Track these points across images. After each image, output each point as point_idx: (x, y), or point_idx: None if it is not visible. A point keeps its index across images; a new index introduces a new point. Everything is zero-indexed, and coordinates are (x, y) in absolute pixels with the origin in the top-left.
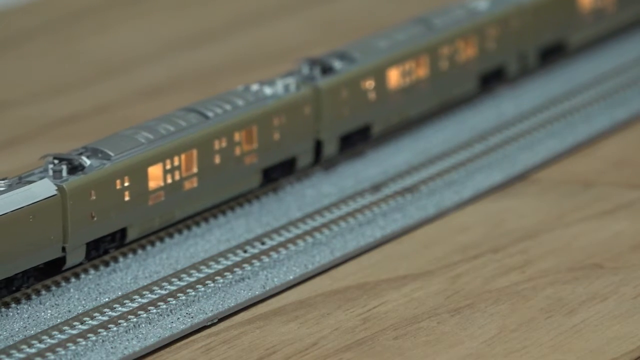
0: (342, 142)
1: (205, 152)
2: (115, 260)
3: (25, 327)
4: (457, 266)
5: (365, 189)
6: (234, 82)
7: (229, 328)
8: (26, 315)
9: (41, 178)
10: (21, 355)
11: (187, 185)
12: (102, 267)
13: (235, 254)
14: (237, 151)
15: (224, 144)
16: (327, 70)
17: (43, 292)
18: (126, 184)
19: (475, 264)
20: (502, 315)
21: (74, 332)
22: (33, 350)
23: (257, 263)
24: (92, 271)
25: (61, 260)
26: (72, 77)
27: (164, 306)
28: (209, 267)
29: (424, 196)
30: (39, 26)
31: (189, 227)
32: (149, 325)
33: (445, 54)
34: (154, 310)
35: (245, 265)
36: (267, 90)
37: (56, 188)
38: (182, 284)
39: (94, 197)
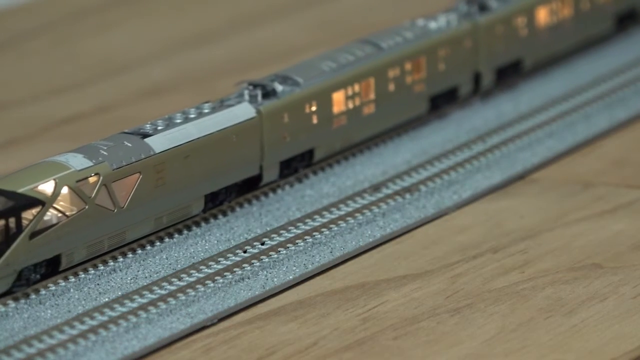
0: (498, 74)
1: (381, 80)
2: (115, 260)
3: (25, 327)
4: (457, 266)
5: (364, 189)
6: (233, 82)
7: (228, 328)
8: (26, 315)
9: (239, 102)
10: (21, 355)
11: (366, 110)
12: (102, 267)
13: (235, 254)
14: (408, 80)
15: (397, 73)
16: (484, 8)
17: (43, 291)
18: (314, 109)
19: (475, 264)
20: (502, 315)
21: (74, 332)
22: (33, 350)
23: (256, 263)
24: (92, 271)
25: (258, 178)
26: (72, 77)
27: (164, 306)
28: (208, 267)
29: (423, 196)
30: (39, 26)
31: (189, 227)
32: (148, 325)
33: None
34: (154, 310)
35: (245, 265)
36: (432, 25)
37: (255, 111)
38: (182, 284)
39: (286, 120)
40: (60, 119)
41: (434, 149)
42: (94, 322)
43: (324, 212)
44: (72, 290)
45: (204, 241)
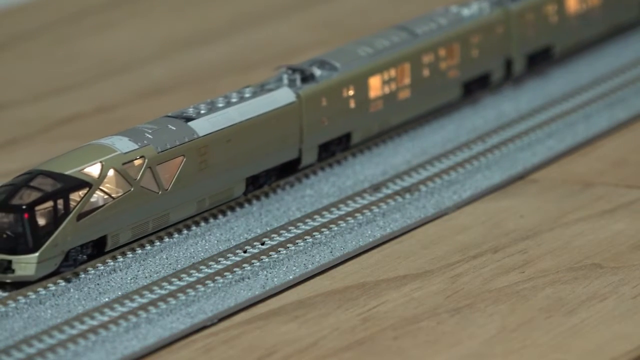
0: (529, 61)
1: (416, 66)
2: (115, 260)
3: (25, 327)
4: (457, 266)
5: (364, 189)
6: (233, 82)
7: (228, 328)
8: (26, 315)
9: (277, 87)
10: (21, 355)
11: (401, 95)
12: (102, 267)
13: (235, 254)
14: (442, 65)
15: (431, 59)
16: None
17: (43, 291)
18: (351, 93)
19: (475, 264)
20: (502, 315)
21: (74, 332)
22: (33, 350)
23: (257, 263)
24: (92, 271)
25: (297, 161)
26: (72, 77)
27: (164, 306)
28: (208, 267)
29: (423, 196)
30: (39, 26)
31: (188, 227)
32: (149, 325)
33: None
34: (154, 310)
35: (245, 265)
36: (465, 12)
37: (295, 95)
38: (182, 284)
39: (325, 104)
40: (60, 119)
41: (434, 149)
42: (94, 322)
43: (324, 212)
44: (72, 290)
45: (204, 241)
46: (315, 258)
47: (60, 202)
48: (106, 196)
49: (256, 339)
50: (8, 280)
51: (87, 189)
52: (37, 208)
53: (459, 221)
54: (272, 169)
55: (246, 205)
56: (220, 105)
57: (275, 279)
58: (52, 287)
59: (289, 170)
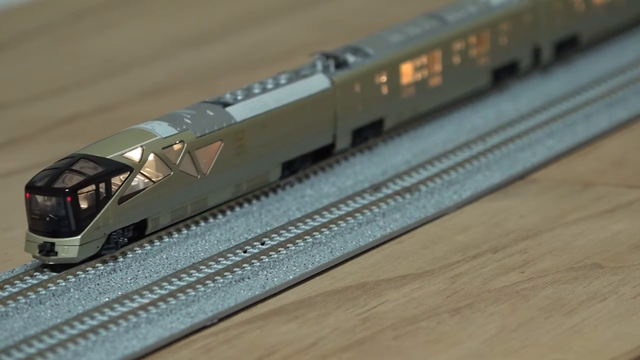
0: (556, 49)
1: (447, 53)
2: (115, 260)
3: (25, 327)
4: (457, 266)
5: (364, 189)
6: (233, 82)
7: (228, 328)
8: (26, 315)
9: (312, 73)
10: (21, 355)
11: (432, 81)
12: (101, 267)
13: (235, 254)
14: (472, 53)
15: (462, 46)
16: None
17: (43, 291)
18: (383, 79)
19: (475, 264)
20: (502, 315)
21: (74, 332)
22: (33, 350)
23: (257, 263)
24: (92, 271)
25: (331, 146)
26: (72, 77)
27: (164, 306)
28: (208, 267)
29: (423, 196)
30: (39, 26)
31: (188, 227)
32: (149, 325)
33: None
34: (154, 310)
35: (245, 265)
36: (494, 0)
37: (329, 81)
38: (182, 284)
39: (358, 90)
40: (60, 119)
41: (434, 149)
42: (94, 322)
43: (324, 212)
44: (72, 290)
45: (204, 241)
46: (315, 258)
47: (102, 185)
48: (147, 180)
49: (256, 339)
50: (51, 263)
51: (128, 172)
52: (79, 191)
53: (459, 221)
54: (307, 154)
55: (246, 205)
56: (257, 91)
57: (275, 279)
58: (52, 287)
59: (323, 155)
